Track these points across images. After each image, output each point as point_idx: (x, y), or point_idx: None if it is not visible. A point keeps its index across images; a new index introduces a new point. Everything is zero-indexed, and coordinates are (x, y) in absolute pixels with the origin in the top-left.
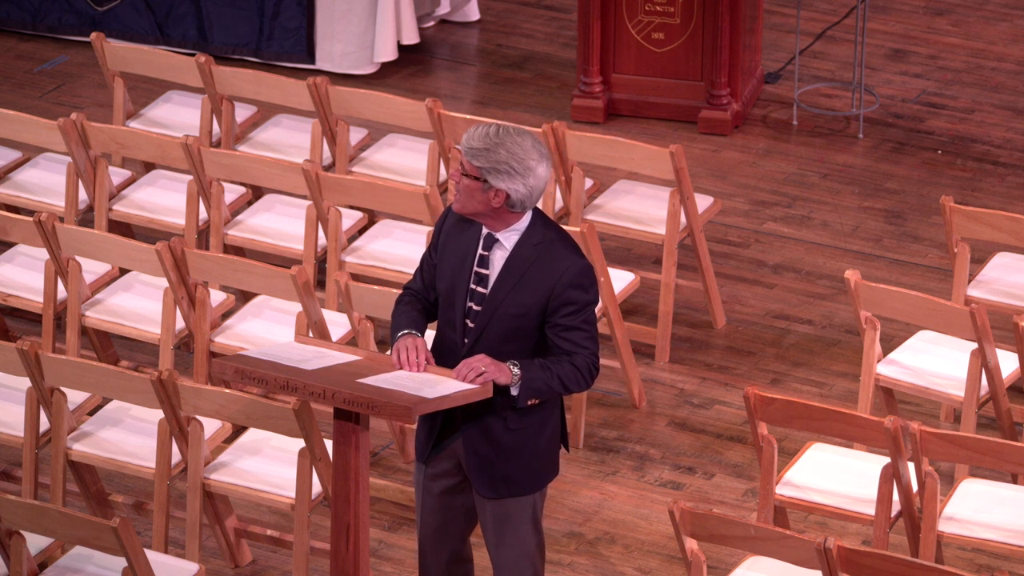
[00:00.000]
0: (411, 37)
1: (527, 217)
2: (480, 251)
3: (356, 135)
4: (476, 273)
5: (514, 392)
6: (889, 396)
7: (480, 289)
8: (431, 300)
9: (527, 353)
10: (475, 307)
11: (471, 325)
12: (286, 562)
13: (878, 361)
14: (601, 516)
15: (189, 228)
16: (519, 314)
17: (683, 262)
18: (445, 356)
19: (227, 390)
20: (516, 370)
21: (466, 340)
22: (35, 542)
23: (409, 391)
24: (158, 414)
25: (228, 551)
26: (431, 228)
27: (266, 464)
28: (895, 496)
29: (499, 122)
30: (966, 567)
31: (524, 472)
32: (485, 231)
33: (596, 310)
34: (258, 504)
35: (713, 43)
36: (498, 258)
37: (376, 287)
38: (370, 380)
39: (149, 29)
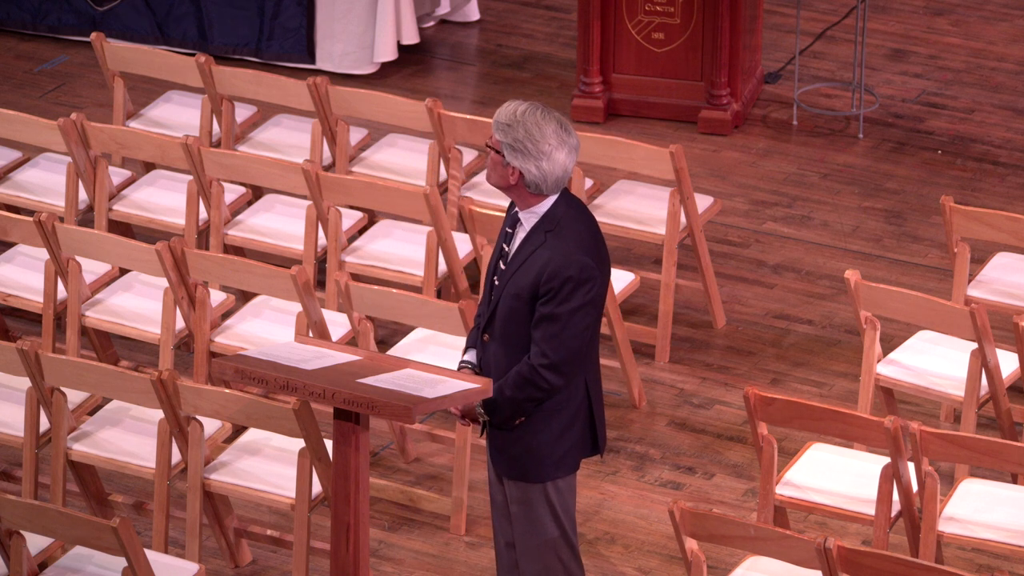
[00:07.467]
0: (411, 37)
1: (549, 201)
2: (506, 228)
3: (356, 135)
4: (502, 249)
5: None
6: (889, 396)
7: (502, 265)
8: None
9: (526, 338)
10: (496, 281)
11: (492, 299)
12: (286, 562)
13: (878, 361)
14: (601, 516)
15: (189, 228)
16: (514, 294)
17: (683, 262)
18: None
19: (227, 390)
20: (482, 414)
21: (485, 312)
22: (35, 542)
23: (409, 391)
24: (158, 414)
25: (228, 551)
26: (431, 228)
27: (266, 464)
28: (895, 496)
29: (535, 103)
30: (966, 567)
31: (529, 459)
32: (515, 210)
33: (587, 312)
34: (258, 504)
35: (713, 43)
36: (518, 238)
37: (376, 287)
38: (370, 380)
39: (149, 29)
